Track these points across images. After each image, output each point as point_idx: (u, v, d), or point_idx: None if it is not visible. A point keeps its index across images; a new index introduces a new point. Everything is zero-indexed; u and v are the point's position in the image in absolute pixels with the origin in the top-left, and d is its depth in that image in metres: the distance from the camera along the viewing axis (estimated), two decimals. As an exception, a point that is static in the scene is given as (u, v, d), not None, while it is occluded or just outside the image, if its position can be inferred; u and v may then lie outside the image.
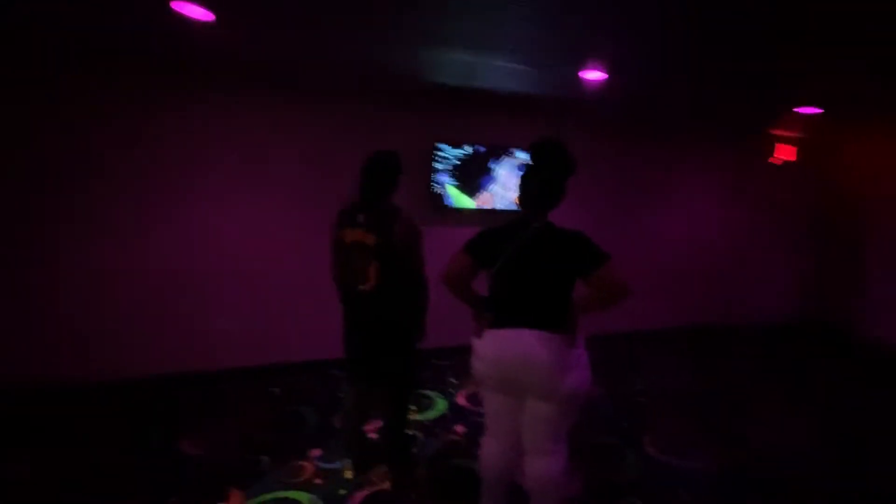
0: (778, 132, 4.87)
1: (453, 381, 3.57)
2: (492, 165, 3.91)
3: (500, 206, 3.99)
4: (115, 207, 3.13)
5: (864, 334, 4.79)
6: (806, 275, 5.39)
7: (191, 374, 3.40)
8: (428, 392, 3.36)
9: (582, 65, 2.89)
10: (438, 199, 3.80)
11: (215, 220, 3.37)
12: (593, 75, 3.07)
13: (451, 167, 3.78)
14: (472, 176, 3.86)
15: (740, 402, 3.37)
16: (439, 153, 3.72)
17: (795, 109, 3.84)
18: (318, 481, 2.33)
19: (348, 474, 2.37)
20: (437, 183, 3.76)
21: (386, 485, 2.30)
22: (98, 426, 2.77)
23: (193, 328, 3.39)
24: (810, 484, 2.44)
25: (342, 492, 2.26)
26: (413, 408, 3.07)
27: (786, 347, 4.73)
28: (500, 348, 1.67)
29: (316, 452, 2.56)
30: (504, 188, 3.98)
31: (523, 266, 1.65)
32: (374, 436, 2.70)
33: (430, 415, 3.05)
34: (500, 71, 3.08)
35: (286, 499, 2.21)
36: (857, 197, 4.91)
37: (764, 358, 4.37)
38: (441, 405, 3.18)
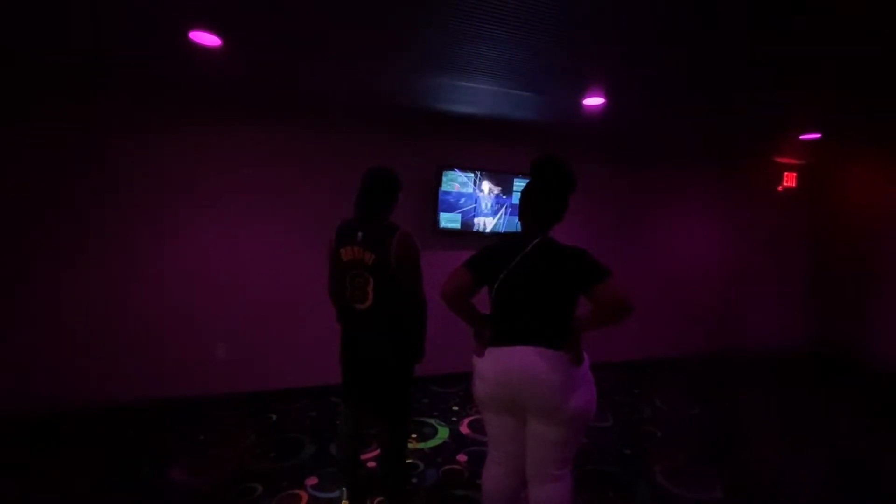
0: (780, 159, 4.90)
1: (455, 408, 3.47)
2: (493, 190, 3.93)
3: (500, 228, 3.99)
4: (108, 232, 3.14)
5: (870, 359, 4.68)
6: (811, 300, 5.30)
7: (183, 399, 3.32)
8: (429, 420, 3.26)
9: (583, 90, 2.95)
10: (440, 223, 3.80)
11: (210, 245, 3.37)
12: (593, 101, 3.12)
13: (453, 191, 3.80)
14: (474, 200, 3.88)
15: (749, 430, 3.24)
16: (442, 178, 3.75)
17: (798, 136, 3.88)
18: (312, 512, 2.22)
19: (344, 504, 2.27)
20: (440, 209, 3.77)
21: (383, 516, 2.19)
22: (86, 453, 2.68)
23: (187, 353, 3.34)
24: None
25: (337, 523, 2.15)
26: (413, 436, 2.98)
27: (792, 374, 4.60)
28: (501, 366, 1.62)
29: (312, 481, 2.45)
30: (504, 212, 3.99)
31: (523, 281, 1.62)
32: (371, 464, 2.60)
33: (431, 443, 2.93)
34: (502, 97, 3.13)
35: (278, 530, 2.10)
36: (860, 221, 4.89)
37: (771, 385, 4.24)
38: (442, 433, 3.07)
